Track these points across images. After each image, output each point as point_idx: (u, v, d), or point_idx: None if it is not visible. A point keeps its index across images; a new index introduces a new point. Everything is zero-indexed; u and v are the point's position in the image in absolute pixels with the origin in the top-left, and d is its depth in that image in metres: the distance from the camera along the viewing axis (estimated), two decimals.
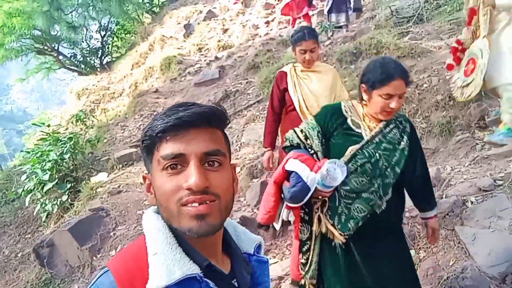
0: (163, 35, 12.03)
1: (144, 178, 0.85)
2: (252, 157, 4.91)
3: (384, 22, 7.66)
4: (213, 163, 0.79)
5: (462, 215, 2.88)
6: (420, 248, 2.89)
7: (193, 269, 0.75)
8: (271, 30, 10.19)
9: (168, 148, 0.77)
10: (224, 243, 0.88)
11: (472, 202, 2.79)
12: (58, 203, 5.07)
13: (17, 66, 16.22)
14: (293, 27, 8.76)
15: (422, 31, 6.78)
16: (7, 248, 5.31)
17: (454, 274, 2.46)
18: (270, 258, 3.41)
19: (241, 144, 5.44)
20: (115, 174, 5.45)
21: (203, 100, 7.60)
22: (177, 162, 0.77)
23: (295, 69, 2.90)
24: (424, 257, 2.82)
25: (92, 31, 13.91)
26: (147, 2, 15.70)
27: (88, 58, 13.91)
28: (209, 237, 0.80)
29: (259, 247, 0.96)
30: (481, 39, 2.99)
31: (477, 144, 3.91)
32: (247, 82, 7.53)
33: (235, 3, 11.19)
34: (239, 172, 4.69)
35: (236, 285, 0.85)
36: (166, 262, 0.74)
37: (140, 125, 7.42)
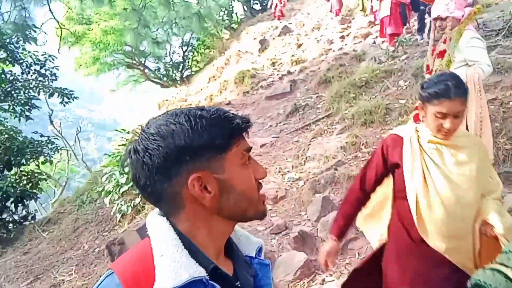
0: (239, 50, 12.47)
1: (198, 178, 0.79)
2: (316, 172, 4.84)
3: None
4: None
5: None
6: None
7: (200, 272, 0.76)
8: (345, 45, 10.05)
9: (245, 143, 0.86)
10: (226, 246, 0.89)
11: None
12: (132, 204, 5.43)
13: (109, 79, 17.90)
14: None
15: None
16: (87, 243, 5.80)
17: None
18: (326, 276, 3.31)
19: (306, 158, 5.39)
20: None
21: (272, 113, 7.70)
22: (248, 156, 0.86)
23: (418, 137, 1.79)
24: None
25: (175, 47, 14.90)
26: (227, 19, 16.42)
27: (170, 72, 14.90)
28: (226, 237, 0.87)
29: (260, 250, 0.97)
30: None
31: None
32: (317, 97, 7.48)
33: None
34: (302, 186, 4.65)
35: (240, 287, 0.85)
36: (173, 265, 0.75)
37: None
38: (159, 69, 14.97)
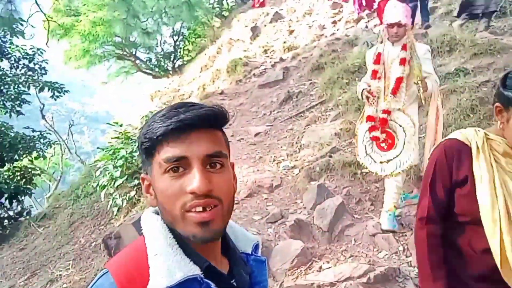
0: (231, 38, 12.33)
1: (143, 179, 0.84)
2: (311, 159, 4.83)
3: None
4: (215, 165, 0.79)
5: None
6: None
7: (194, 270, 0.75)
8: (337, 30, 9.96)
9: (169, 151, 0.76)
10: (223, 243, 0.88)
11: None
12: (127, 198, 5.40)
13: (100, 71, 17.70)
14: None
15: (505, 26, 6.20)
16: (83, 238, 5.78)
17: None
18: (323, 263, 3.32)
19: (301, 145, 5.37)
20: None
21: (266, 102, 7.65)
22: (179, 165, 0.76)
23: (490, 146, 1.40)
24: None
25: (166, 36, 14.72)
26: (217, 7, 16.22)
27: (161, 62, 14.74)
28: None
29: (256, 246, 0.96)
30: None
31: None
32: (310, 83, 7.44)
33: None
34: (297, 174, 4.65)
35: (236, 285, 0.84)
36: (167, 264, 0.74)
37: None
38: (150, 59, 14.82)
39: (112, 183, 5.53)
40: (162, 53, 14.83)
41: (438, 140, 3.08)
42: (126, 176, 5.50)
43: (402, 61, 3.23)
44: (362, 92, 3.39)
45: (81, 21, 13.42)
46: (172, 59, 14.92)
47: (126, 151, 5.61)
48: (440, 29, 6.72)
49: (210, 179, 0.76)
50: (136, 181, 5.49)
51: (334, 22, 10.52)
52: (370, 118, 3.39)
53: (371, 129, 3.40)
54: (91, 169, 7.98)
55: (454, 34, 5.85)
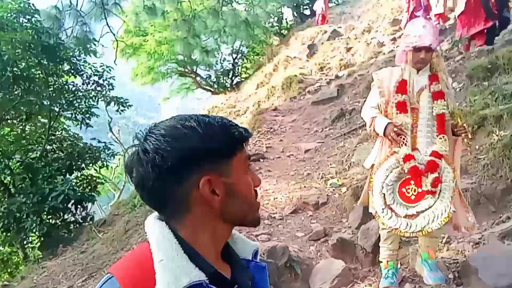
0: (288, 56, 12.48)
1: (209, 180, 0.81)
2: (360, 178, 4.68)
3: None
4: None
5: None
6: None
7: (200, 276, 0.76)
8: (396, 47, 9.69)
9: (246, 151, 0.89)
10: (223, 250, 0.90)
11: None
12: None
13: (164, 87, 18.67)
14: None
15: None
16: (136, 245, 6.05)
17: None
18: (366, 286, 3.19)
19: (350, 163, 5.25)
20: None
21: (318, 119, 7.60)
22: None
23: None
24: None
25: (225, 54, 15.23)
26: (276, 25, 16.52)
27: (220, 79, 15.25)
28: (225, 240, 0.89)
29: (256, 253, 0.97)
30: None
31: None
32: (365, 101, 7.27)
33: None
34: (345, 192, 4.54)
35: None
36: (173, 269, 0.75)
37: (256, 141, 7.75)
38: (210, 76, 15.41)
39: None
40: (221, 70, 15.36)
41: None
42: None
43: (438, 95, 2.69)
44: (386, 128, 2.64)
45: (148, 40, 14.33)
46: (230, 76, 15.39)
47: None
48: (508, 45, 6.29)
49: None
50: None
51: (394, 39, 10.26)
52: (408, 158, 2.64)
53: (414, 172, 2.65)
54: None
55: None
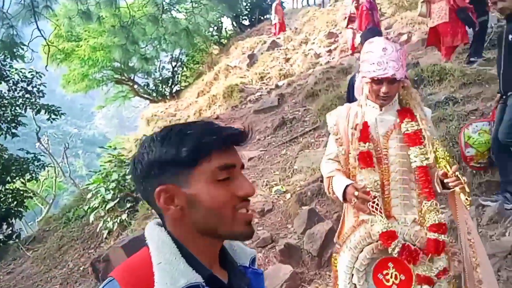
0: (228, 65, 12.56)
1: (164, 190, 0.83)
2: (303, 184, 4.83)
3: None
4: None
5: None
6: None
7: (196, 278, 0.79)
8: (332, 58, 10.19)
9: (222, 159, 0.83)
10: (221, 256, 0.92)
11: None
12: (118, 221, 5.36)
13: (99, 95, 17.86)
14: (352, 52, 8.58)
15: (494, 57, 6.34)
16: (72, 262, 5.68)
17: None
18: None
19: (293, 170, 5.39)
20: None
21: (261, 127, 7.72)
22: (228, 173, 0.84)
23: None
24: None
25: (164, 62, 14.96)
26: (216, 35, 16.57)
27: (159, 87, 14.93)
28: (215, 248, 0.89)
29: (253, 260, 1.00)
30: None
31: None
32: (304, 110, 7.53)
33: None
34: (289, 198, 4.64)
35: None
36: (171, 271, 0.79)
37: None
38: (148, 84, 15.02)
39: (104, 206, 5.51)
40: (160, 78, 15.05)
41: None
42: (118, 199, 5.49)
43: (413, 139, 1.92)
44: (346, 192, 1.89)
45: (81, 46, 13.65)
46: (169, 84, 15.12)
47: (119, 175, 5.62)
48: (431, 60, 6.88)
49: None
50: (128, 204, 5.47)
51: (329, 51, 10.77)
52: (389, 237, 1.83)
53: (408, 255, 1.84)
54: (83, 193, 7.94)
55: (444, 64, 5.98)
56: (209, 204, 0.82)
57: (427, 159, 1.89)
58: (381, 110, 1.99)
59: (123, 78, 14.68)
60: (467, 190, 1.76)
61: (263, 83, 10.47)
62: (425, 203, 1.88)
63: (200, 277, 0.80)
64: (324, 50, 10.93)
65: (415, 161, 1.90)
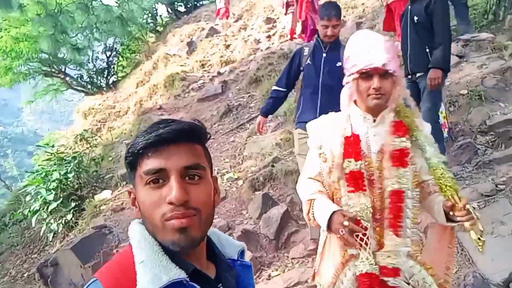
0: (167, 53, 12.21)
1: (129, 192, 0.89)
2: (254, 170, 4.90)
3: (382, 32, 7.68)
4: (194, 177, 0.83)
5: None
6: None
7: (179, 274, 0.78)
8: (272, 44, 10.28)
9: (149, 164, 0.80)
10: (208, 250, 0.92)
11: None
12: (63, 222, 5.10)
13: (26, 89, 16.56)
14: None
15: None
16: (13, 269, 5.33)
17: (457, 282, 2.41)
18: (272, 271, 3.38)
19: (243, 157, 5.44)
20: (118, 191, 5.48)
21: (206, 115, 7.66)
22: (159, 177, 0.80)
23: None
24: None
25: (98, 52, 14.18)
26: (151, 22, 15.99)
27: (94, 79, 14.16)
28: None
29: (242, 252, 1.00)
30: None
31: (479, 149, 3.86)
32: (249, 96, 7.58)
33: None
34: (242, 185, 4.69)
35: None
36: (153, 269, 0.77)
37: None
38: (82, 76, 14.15)
39: (45, 207, 5.20)
40: (94, 69, 14.24)
41: None
42: (61, 199, 5.20)
43: (399, 159, 1.62)
44: (332, 220, 1.55)
45: (1, 37, 12.51)
46: (105, 75, 14.38)
47: (60, 173, 5.32)
48: None
49: (187, 190, 0.80)
50: (73, 204, 5.21)
51: (269, 37, 10.85)
52: (367, 279, 1.57)
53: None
54: (19, 195, 7.41)
55: None
56: (143, 209, 0.82)
57: (404, 184, 1.59)
58: (374, 121, 1.66)
59: (53, 70, 13.69)
60: (481, 228, 1.46)
61: (205, 70, 10.33)
62: (389, 238, 1.60)
63: (183, 272, 0.79)
64: (264, 36, 10.98)
65: (395, 185, 1.59)
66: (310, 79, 3.12)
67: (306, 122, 1.89)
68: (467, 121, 4.26)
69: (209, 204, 0.85)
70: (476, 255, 2.54)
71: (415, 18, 3.43)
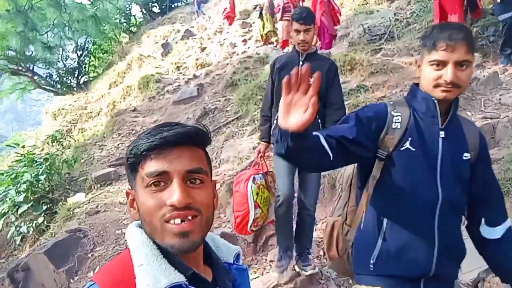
0: (141, 54, 12.08)
1: (128, 193, 0.88)
2: (231, 174, 4.93)
3: (357, 39, 7.90)
4: (195, 181, 0.83)
5: None
6: None
7: (179, 278, 0.78)
8: (248, 48, 10.36)
9: (152, 166, 0.80)
10: (205, 254, 0.91)
11: None
12: (34, 225, 4.94)
13: None
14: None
15: (394, 48, 7.03)
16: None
17: None
18: (251, 274, 3.41)
19: (220, 160, 5.46)
20: (93, 194, 5.37)
21: (182, 118, 7.61)
22: (161, 180, 0.80)
23: None
24: None
25: (68, 51, 13.85)
26: (125, 22, 15.75)
27: (64, 78, 13.80)
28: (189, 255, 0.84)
29: (238, 256, 1.00)
30: None
31: None
32: (225, 100, 7.60)
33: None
34: (219, 188, 4.70)
35: None
36: (152, 273, 0.77)
37: (118, 144, 7.35)
38: (51, 75, 13.75)
39: (15, 210, 5.03)
40: (64, 68, 13.87)
41: None
42: (31, 202, 5.05)
43: None
44: None
45: None
46: (76, 75, 14.04)
47: (31, 175, 5.16)
48: (341, 50, 7.40)
49: (189, 193, 0.80)
50: (45, 207, 5.07)
51: (245, 41, 10.93)
52: None
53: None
54: None
55: (354, 55, 6.48)
56: (142, 211, 0.82)
57: None
58: None
59: (20, 68, 13.25)
60: None
61: (180, 73, 10.28)
62: None
63: (182, 276, 0.79)
64: (240, 40, 11.05)
65: None
66: None
67: None
68: None
69: (210, 207, 0.85)
70: None
71: None
